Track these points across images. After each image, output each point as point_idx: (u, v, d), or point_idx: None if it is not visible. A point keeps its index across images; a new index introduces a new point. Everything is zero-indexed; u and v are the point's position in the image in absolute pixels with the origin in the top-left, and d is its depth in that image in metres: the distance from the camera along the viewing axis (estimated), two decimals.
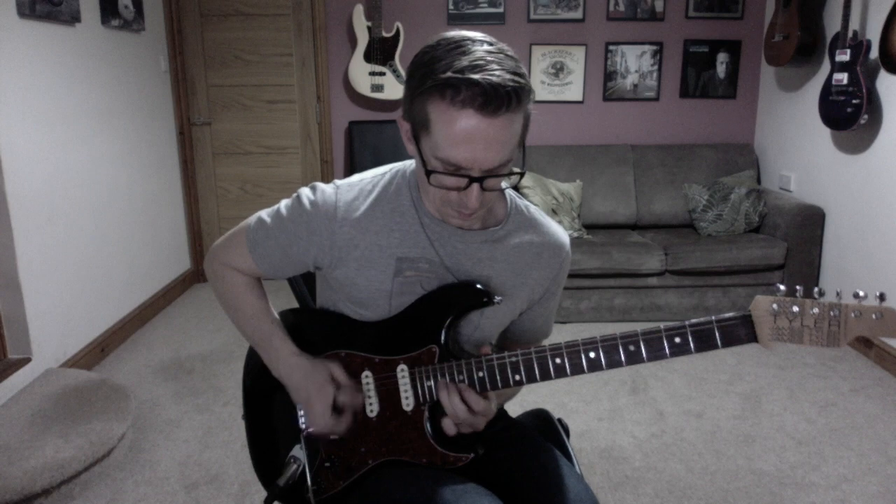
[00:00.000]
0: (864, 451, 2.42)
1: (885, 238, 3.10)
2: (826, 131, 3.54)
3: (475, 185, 0.99)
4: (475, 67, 0.93)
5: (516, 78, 0.94)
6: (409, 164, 1.19)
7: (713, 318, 1.00)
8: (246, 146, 4.35)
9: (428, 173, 1.00)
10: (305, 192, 1.17)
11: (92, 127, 3.18)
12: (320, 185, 1.17)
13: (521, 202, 1.23)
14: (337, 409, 1.15)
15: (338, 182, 1.18)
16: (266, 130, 4.33)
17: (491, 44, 0.98)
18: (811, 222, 3.55)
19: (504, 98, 0.93)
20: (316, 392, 1.13)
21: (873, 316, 0.93)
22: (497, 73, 0.93)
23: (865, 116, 3.10)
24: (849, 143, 3.38)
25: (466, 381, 1.11)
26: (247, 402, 1.31)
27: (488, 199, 1.04)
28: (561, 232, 1.23)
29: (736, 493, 2.18)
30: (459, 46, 0.96)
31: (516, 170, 1.02)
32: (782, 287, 0.98)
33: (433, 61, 0.96)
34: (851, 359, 3.21)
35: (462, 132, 0.95)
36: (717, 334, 1.00)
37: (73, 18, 2.95)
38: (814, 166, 3.70)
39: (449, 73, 0.93)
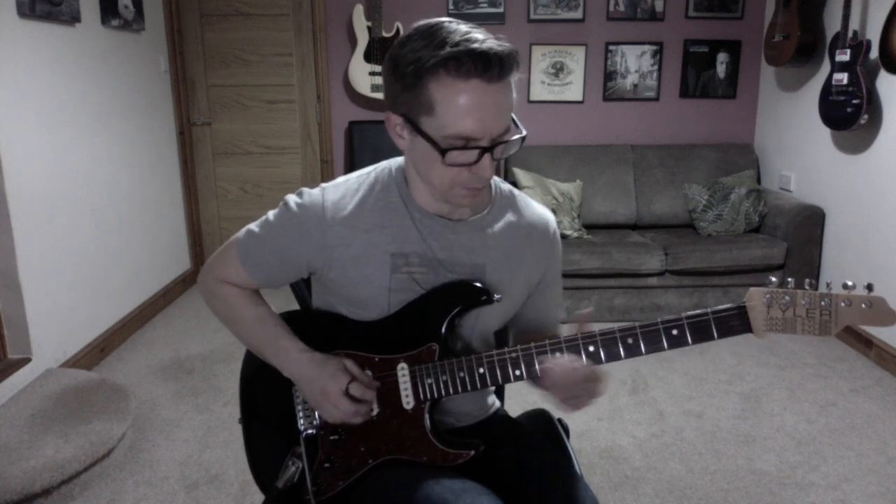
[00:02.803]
0: (864, 451, 2.42)
1: (885, 238, 3.10)
2: (826, 131, 3.54)
3: (487, 156, 1.02)
4: (469, 40, 0.97)
5: (505, 44, 0.99)
6: (395, 161, 1.20)
7: (709, 310, 1.03)
8: (246, 146, 4.35)
9: (443, 152, 1.01)
10: (292, 198, 1.17)
11: (92, 127, 3.18)
12: (306, 189, 1.18)
13: (505, 186, 1.25)
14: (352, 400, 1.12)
15: (323, 185, 1.19)
16: (266, 130, 4.33)
17: (465, 23, 1.02)
18: (811, 222, 3.55)
19: (505, 61, 0.98)
20: (329, 379, 1.10)
21: (862, 305, 0.96)
22: (487, 42, 0.98)
23: (865, 116, 3.09)
24: (849, 143, 3.38)
25: (467, 379, 1.11)
26: (243, 405, 1.30)
27: (495, 168, 1.07)
28: (545, 211, 1.26)
29: (736, 493, 2.18)
30: (439, 28, 1.00)
31: (519, 134, 1.05)
32: (774, 279, 1.01)
33: (420, 48, 0.99)
34: (851, 359, 3.21)
35: (470, 102, 0.98)
36: (713, 326, 1.02)
37: (73, 18, 2.95)
38: (814, 166, 3.70)
39: (448, 49, 0.96)
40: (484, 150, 1.01)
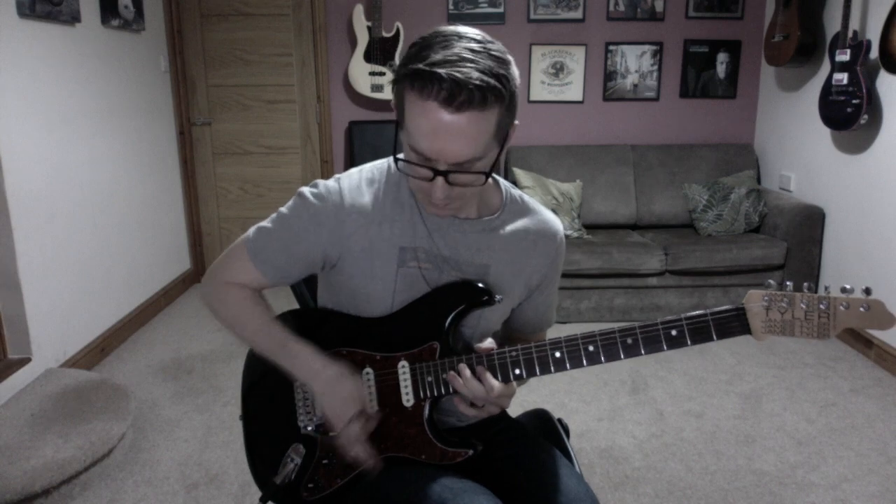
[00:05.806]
0: (864, 451, 2.42)
1: (885, 238, 3.10)
2: (826, 131, 3.54)
3: (440, 179, 1.00)
4: (446, 62, 0.93)
5: (485, 77, 0.93)
6: None
7: (708, 311, 1.04)
8: (246, 146, 4.35)
9: (396, 160, 1.04)
10: (307, 189, 1.17)
11: (92, 127, 3.18)
12: (321, 181, 1.18)
13: (516, 192, 1.25)
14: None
15: (338, 175, 1.19)
16: (266, 130, 4.33)
17: (479, 41, 0.97)
18: (811, 222, 3.55)
19: (466, 95, 0.93)
20: (340, 405, 1.12)
21: (861, 308, 0.98)
22: (465, 70, 0.92)
23: (865, 116, 3.10)
24: (849, 143, 3.38)
25: None
26: (245, 402, 1.30)
27: (457, 193, 1.04)
28: (554, 219, 1.25)
29: (736, 493, 2.18)
30: (446, 40, 0.97)
31: (482, 170, 1.01)
32: (773, 282, 1.02)
33: (417, 52, 0.98)
34: (851, 359, 3.20)
35: (427, 123, 0.96)
36: (711, 327, 1.03)
37: (73, 18, 2.95)
38: (814, 166, 3.70)
39: (420, 65, 0.94)
40: (437, 173, 0.99)
